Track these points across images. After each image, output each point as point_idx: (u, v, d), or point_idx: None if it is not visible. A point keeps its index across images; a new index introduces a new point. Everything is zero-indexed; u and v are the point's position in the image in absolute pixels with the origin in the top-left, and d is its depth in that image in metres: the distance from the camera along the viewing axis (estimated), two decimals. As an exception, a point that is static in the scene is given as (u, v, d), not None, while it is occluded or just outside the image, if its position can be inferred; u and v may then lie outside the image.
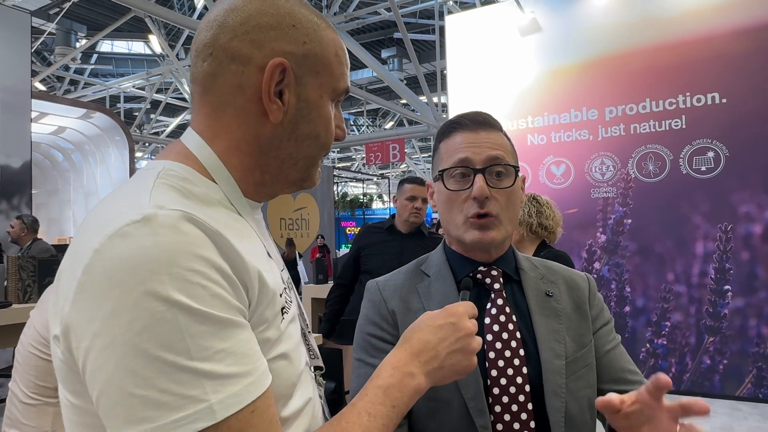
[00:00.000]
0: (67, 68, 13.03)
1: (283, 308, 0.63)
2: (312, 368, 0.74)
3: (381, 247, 2.96)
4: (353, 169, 19.96)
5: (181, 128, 18.47)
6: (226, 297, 0.54)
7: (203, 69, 0.65)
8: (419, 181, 2.95)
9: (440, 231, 2.99)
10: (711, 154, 4.07)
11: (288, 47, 0.64)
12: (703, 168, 4.09)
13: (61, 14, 10.10)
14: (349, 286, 3.05)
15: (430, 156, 22.88)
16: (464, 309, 0.73)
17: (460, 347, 0.69)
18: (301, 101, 0.66)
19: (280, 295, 0.63)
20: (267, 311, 0.60)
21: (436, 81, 10.67)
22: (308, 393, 0.68)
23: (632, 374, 0.97)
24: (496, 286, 0.96)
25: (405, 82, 12.95)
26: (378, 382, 0.65)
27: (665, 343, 4.16)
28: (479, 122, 0.97)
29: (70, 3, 9.58)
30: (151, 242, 0.51)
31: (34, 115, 5.93)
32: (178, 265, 0.51)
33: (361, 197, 21.88)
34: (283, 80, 0.64)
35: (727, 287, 3.97)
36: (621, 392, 0.95)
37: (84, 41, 11.12)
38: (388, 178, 18.99)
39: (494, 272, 0.97)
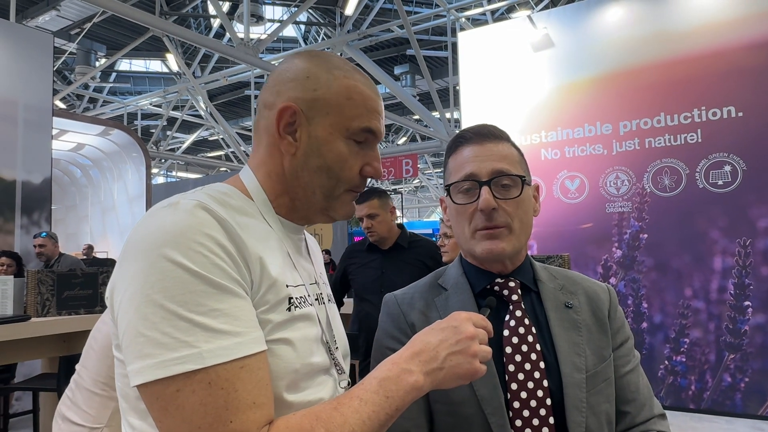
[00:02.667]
0: (86, 86, 13.32)
1: (290, 299, 0.72)
2: (342, 383, 0.82)
3: (363, 267, 2.88)
4: (366, 184, 20.03)
5: (197, 144, 18.71)
6: (226, 269, 0.64)
7: (255, 118, 0.84)
8: (359, 199, 2.77)
9: (443, 244, 2.90)
10: (728, 168, 4.03)
11: (299, 94, 0.77)
12: (720, 182, 4.05)
13: (81, 34, 10.36)
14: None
15: (442, 171, 22.83)
16: (468, 315, 0.74)
17: (460, 349, 0.70)
18: (311, 138, 0.77)
19: (287, 286, 0.72)
20: (269, 295, 0.69)
21: (448, 97, 10.72)
22: (322, 394, 0.75)
23: (647, 401, 0.95)
24: (514, 297, 0.95)
25: (418, 97, 13.03)
26: (375, 374, 0.69)
27: (684, 360, 4.08)
28: (483, 134, 0.98)
29: (91, 24, 9.83)
30: (170, 220, 0.65)
31: (54, 132, 6.05)
32: (187, 237, 0.63)
33: (374, 212, 21.82)
34: (296, 121, 0.77)
35: (747, 303, 3.90)
36: (630, 413, 0.94)
37: (103, 60, 11.37)
38: (401, 194, 19.01)
39: (512, 284, 0.97)
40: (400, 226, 2.95)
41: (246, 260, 0.67)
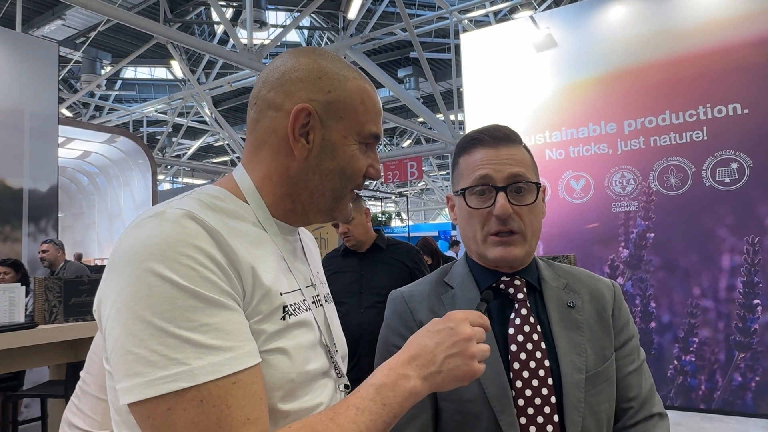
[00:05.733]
0: (92, 95, 13.42)
1: (285, 307, 0.70)
2: (341, 386, 0.81)
3: (339, 273, 2.77)
4: (371, 188, 20.06)
5: (202, 151, 18.80)
6: (217, 281, 0.62)
7: (251, 115, 0.79)
8: None
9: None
10: (734, 165, 4.00)
11: (313, 95, 0.75)
12: (727, 180, 4.02)
13: (86, 43, 10.44)
14: None
15: (448, 173, 22.85)
16: (464, 315, 0.73)
17: (458, 351, 0.69)
18: (325, 141, 0.75)
19: (281, 295, 0.70)
20: (262, 305, 0.67)
21: (452, 99, 10.72)
22: (321, 399, 0.74)
23: (648, 399, 0.95)
24: (520, 296, 0.96)
25: (421, 100, 13.04)
26: (372, 380, 0.67)
27: (694, 359, 4.05)
28: (499, 138, 0.97)
29: (96, 32, 9.90)
30: (156, 232, 0.62)
31: (60, 140, 6.10)
32: (174, 250, 0.61)
33: (380, 215, 21.92)
34: (309, 123, 0.74)
35: (756, 301, 3.86)
36: (629, 411, 0.94)
37: (108, 68, 11.45)
38: (407, 196, 18.99)
39: (517, 282, 0.97)
40: (377, 230, 2.89)
41: (237, 270, 0.65)
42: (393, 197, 22.62)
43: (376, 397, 0.65)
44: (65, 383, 3.18)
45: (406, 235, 14.91)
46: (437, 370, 0.68)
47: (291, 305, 0.72)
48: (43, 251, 4.90)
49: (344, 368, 0.85)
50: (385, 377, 0.67)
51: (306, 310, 0.75)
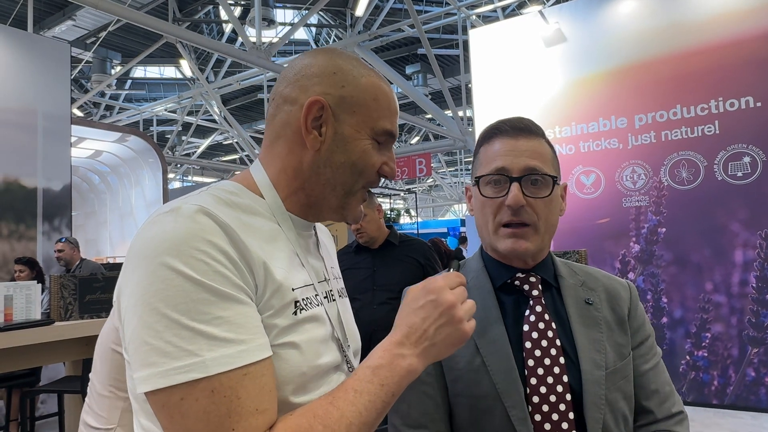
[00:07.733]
0: (103, 94, 13.52)
1: (296, 302, 0.71)
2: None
3: (352, 269, 2.74)
4: (380, 185, 20.04)
5: (212, 149, 18.89)
6: (229, 276, 0.64)
7: (269, 111, 0.81)
8: None
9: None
10: (747, 159, 3.96)
11: (327, 89, 0.76)
12: (740, 174, 3.98)
13: (97, 43, 10.52)
14: None
15: (456, 170, 22.78)
16: (444, 282, 0.72)
17: (446, 321, 0.69)
18: (337, 134, 0.76)
19: (293, 290, 0.72)
20: (274, 300, 0.69)
21: (460, 95, 10.69)
22: None
23: (667, 397, 0.95)
24: (535, 293, 0.95)
25: (430, 96, 13.00)
26: (368, 363, 0.68)
27: (706, 355, 4.03)
28: (519, 129, 0.96)
29: (106, 32, 9.98)
30: (171, 227, 0.64)
31: (72, 140, 6.16)
32: (188, 244, 0.62)
33: (389, 212, 21.89)
34: (322, 116, 0.76)
35: (769, 296, 3.83)
36: (651, 410, 0.94)
37: (119, 68, 11.53)
38: (415, 193, 18.97)
39: (533, 279, 0.96)
40: (390, 226, 2.88)
41: (249, 265, 0.67)
42: (402, 194, 22.61)
43: (373, 379, 0.66)
44: (81, 379, 3.23)
45: (415, 231, 14.91)
46: (431, 343, 0.69)
47: (303, 300, 0.73)
48: (59, 251, 4.96)
49: (356, 363, 0.85)
50: (380, 358, 0.68)
51: (318, 305, 0.76)
